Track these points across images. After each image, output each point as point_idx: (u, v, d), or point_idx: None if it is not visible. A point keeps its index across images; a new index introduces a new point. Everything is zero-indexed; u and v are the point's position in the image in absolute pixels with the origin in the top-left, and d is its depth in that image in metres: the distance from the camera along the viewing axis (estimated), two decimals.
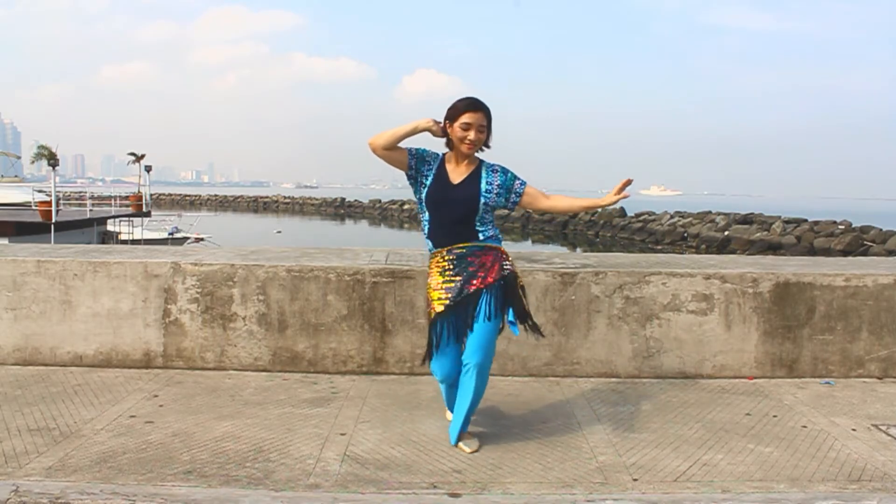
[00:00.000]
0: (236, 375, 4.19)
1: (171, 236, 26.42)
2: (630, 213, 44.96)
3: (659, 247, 35.77)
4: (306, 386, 4.03)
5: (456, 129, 3.16)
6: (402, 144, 3.25)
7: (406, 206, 65.78)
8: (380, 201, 74.85)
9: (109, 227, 24.84)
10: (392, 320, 4.26)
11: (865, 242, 30.39)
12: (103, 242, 22.48)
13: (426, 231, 3.29)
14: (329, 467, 2.92)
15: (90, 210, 25.81)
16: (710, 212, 43.98)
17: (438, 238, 3.24)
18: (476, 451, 3.17)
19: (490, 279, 3.17)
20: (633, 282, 4.28)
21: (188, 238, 26.46)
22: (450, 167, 3.28)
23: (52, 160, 24.20)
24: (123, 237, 24.04)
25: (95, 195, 31.60)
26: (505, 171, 3.29)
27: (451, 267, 3.19)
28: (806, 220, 35.83)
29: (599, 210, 47.79)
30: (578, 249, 35.71)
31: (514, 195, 3.27)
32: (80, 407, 3.58)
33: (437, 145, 3.31)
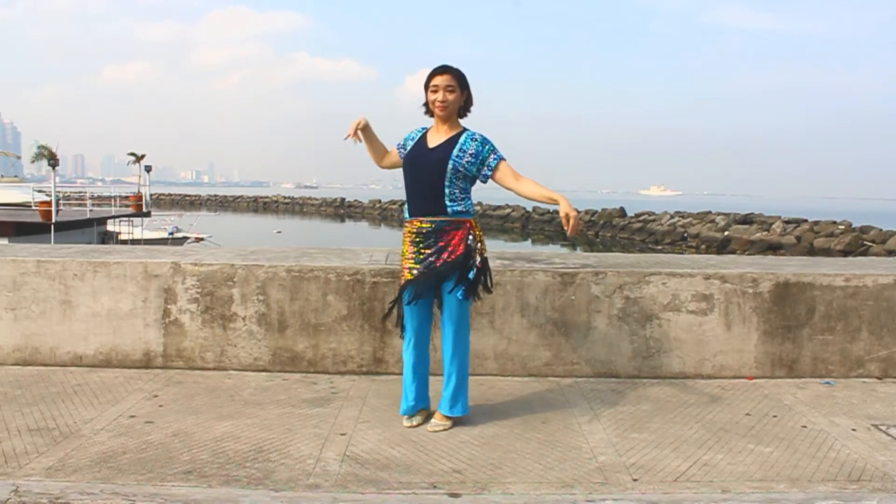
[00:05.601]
0: (236, 375, 4.19)
1: (171, 236, 26.42)
2: (630, 213, 44.96)
3: (659, 247, 35.76)
4: (306, 386, 4.03)
5: (428, 94, 3.39)
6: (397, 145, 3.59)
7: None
8: (380, 201, 74.82)
9: (109, 228, 24.83)
10: (392, 320, 4.26)
11: (865, 242, 30.38)
12: (103, 242, 22.47)
13: (406, 197, 3.46)
14: (329, 467, 2.92)
15: (90, 210, 25.79)
16: (710, 212, 43.98)
17: (412, 204, 3.42)
18: (436, 431, 3.35)
19: (455, 255, 3.34)
20: (633, 282, 4.28)
21: (188, 238, 26.47)
22: (430, 134, 3.47)
23: (52, 160, 24.20)
24: (123, 237, 24.03)
25: (95, 195, 31.59)
26: (484, 142, 3.42)
27: (422, 240, 3.37)
28: (806, 220, 35.82)
29: (599, 210, 47.51)
30: (578, 249, 35.71)
31: (486, 168, 3.42)
32: (80, 407, 3.58)
33: (424, 123, 3.50)
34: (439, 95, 3.34)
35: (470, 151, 3.36)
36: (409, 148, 3.49)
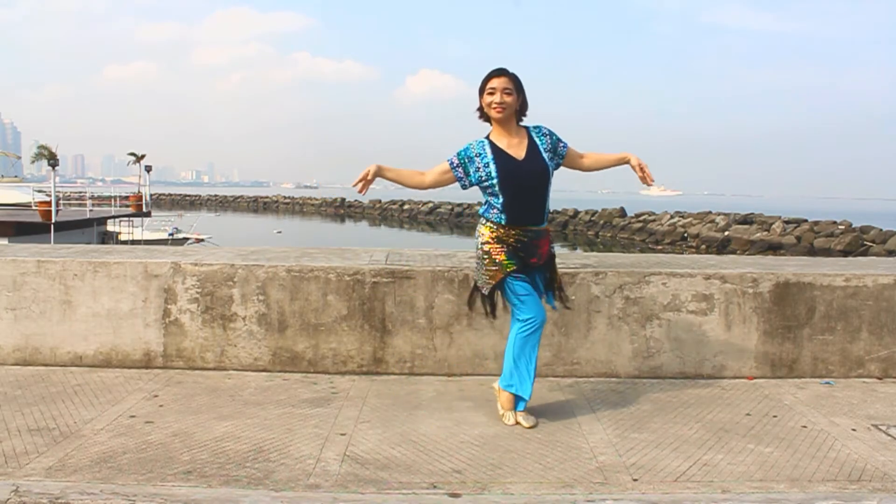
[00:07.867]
0: (236, 375, 4.19)
1: (171, 237, 26.42)
2: (630, 213, 44.97)
3: (659, 247, 35.77)
4: (306, 386, 4.03)
5: (485, 98, 3.39)
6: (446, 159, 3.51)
7: (406, 206, 65.79)
8: (380, 201, 74.81)
9: (109, 228, 24.85)
10: (392, 320, 4.26)
11: (865, 242, 30.39)
12: (103, 242, 22.49)
13: (499, 207, 3.39)
14: (329, 467, 2.92)
15: (90, 210, 25.81)
16: (710, 212, 43.97)
17: (513, 214, 3.39)
18: (534, 426, 3.43)
19: (542, 261, 3.49)
20: (633, 282, 4.28)
21: (188, 238, 26.47)
22: (503, 144, 3.44)
23: (52, 160, 24.23)
24: (123, 237, 24.04)
25: (95, 195, 31.61)
26: (550, 133, 3.50)
27: (521, 246, 3.40)
28: (806, 220, 35.81)
29: (599, 209, 47.51)
30: (578, 249, 35.70)
31: (558, 157, 3.50)
32: (80, 407, 3.58)
33: (475, 133, 3.53)
34: (496, 97, 3.34)
35: (548, 148, 3.45)
36: (475, 166, 3.40)
